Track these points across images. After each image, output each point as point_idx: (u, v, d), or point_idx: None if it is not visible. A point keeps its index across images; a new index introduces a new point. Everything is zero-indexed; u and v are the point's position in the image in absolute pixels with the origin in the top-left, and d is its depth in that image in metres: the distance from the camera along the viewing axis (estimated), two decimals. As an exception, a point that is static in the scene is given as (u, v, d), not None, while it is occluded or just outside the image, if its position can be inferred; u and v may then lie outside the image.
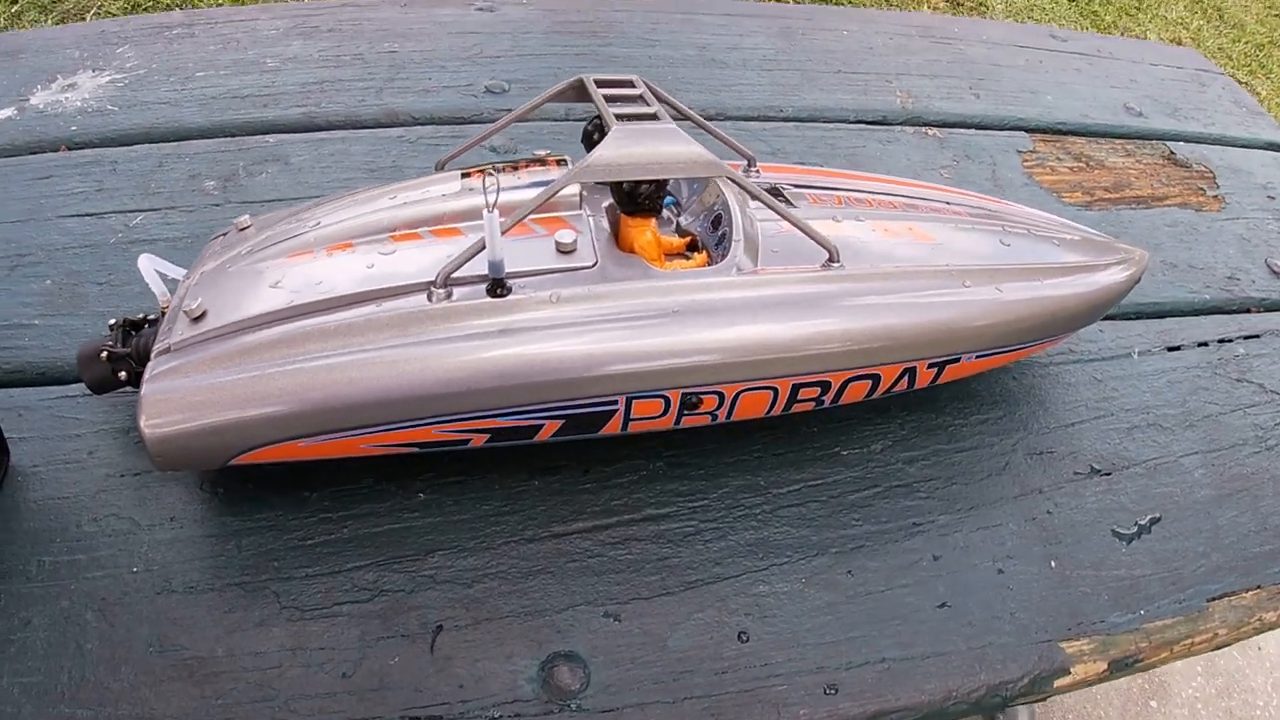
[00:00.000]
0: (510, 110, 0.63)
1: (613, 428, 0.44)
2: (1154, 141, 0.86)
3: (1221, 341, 0.68)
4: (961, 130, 0.80)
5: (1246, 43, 2.26)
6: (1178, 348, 0.66)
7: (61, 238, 0.57)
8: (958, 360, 0.49)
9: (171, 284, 0.47)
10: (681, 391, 0.43)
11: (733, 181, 0.43)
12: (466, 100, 0.72)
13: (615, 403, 0.43)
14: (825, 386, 0.46)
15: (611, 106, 0.43)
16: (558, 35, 0.80)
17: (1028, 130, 0.83)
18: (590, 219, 0.46)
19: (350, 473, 0.48)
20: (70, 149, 0.62)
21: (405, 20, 0.79)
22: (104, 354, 0.44)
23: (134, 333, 0.45)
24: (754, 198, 0.44)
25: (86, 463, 0.47)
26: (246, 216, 0.49)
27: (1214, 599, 0.52)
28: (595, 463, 0.51)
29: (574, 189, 0.46)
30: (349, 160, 0.65)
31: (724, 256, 0.45)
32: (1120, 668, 0.49)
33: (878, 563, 0.49)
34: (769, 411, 0.47)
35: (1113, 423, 0.60)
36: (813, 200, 0.51)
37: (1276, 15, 2.34)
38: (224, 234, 0.49)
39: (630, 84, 0.47)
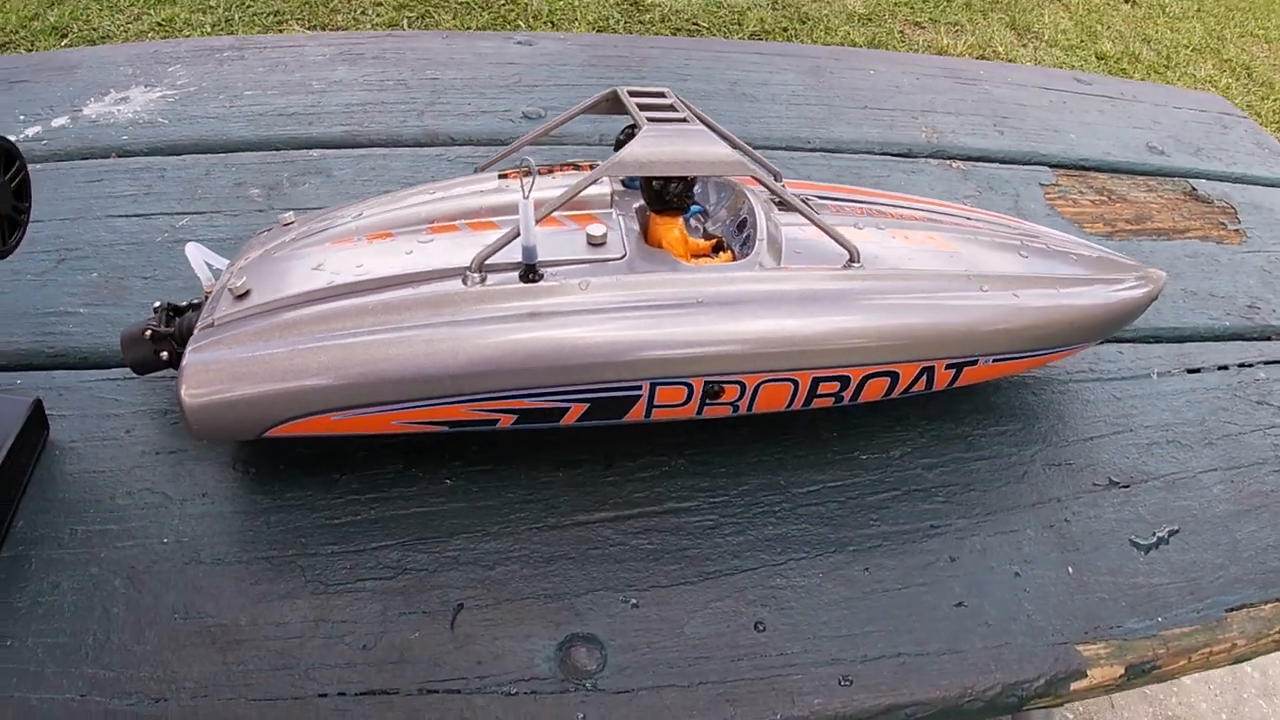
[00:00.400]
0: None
1: (636, 414, 0.46)
2: (1176, 179, 0.87)
3: (1242, 365, 0.68)
4: (985, 164, 0.82)
5: (1275, 100, 2.28)
6: (1198, 370, 0.67)
7: (109, 235, 0.60)
8: (975, 363, 0.50)
9: (216, 273, 0.50)
10: (705, 380, 0.45)
11: (758, 182, 0.45)
12: (504, 124, 0.75)
13: (640, 388, 0.44)
14: (845, 382, 0.47)
15: (643, 113, 0.46)
16: (593, 68, 0.84)
17: (1050, 165, 0.85)
18: (620, 218, 0.48)
19: (379, 458, 0.50)
20: (121, 156, 0.66)
21: (447, 50, 0.83)
22: (148, 333, 0.46)
23: (177, 316, 0.48)
24: (777, 197, 0.46)
25: (123, 440, 0.49)
26: (290, 213, 0.52)
27: (1232, 610, 0.51)
28: (618, 458, 0.52)
29: (605, 189, 0.49)
30: (389, 174, 0.68)
31: (748, 255, 0.47)
32: (1137, 674, 0.49)
33: (895, 561, 0.50)
34: (789, 405, 0.48)
35: (1132, 439, 0.60)
36: (834, 210, 0.53)
37: (1303, 74, 2.37)
38: (268, 229, 0.52)
39: (662, 94, 0.49)
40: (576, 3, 2.28)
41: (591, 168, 0.51)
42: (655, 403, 0.45)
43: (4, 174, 0.44)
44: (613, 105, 0.50)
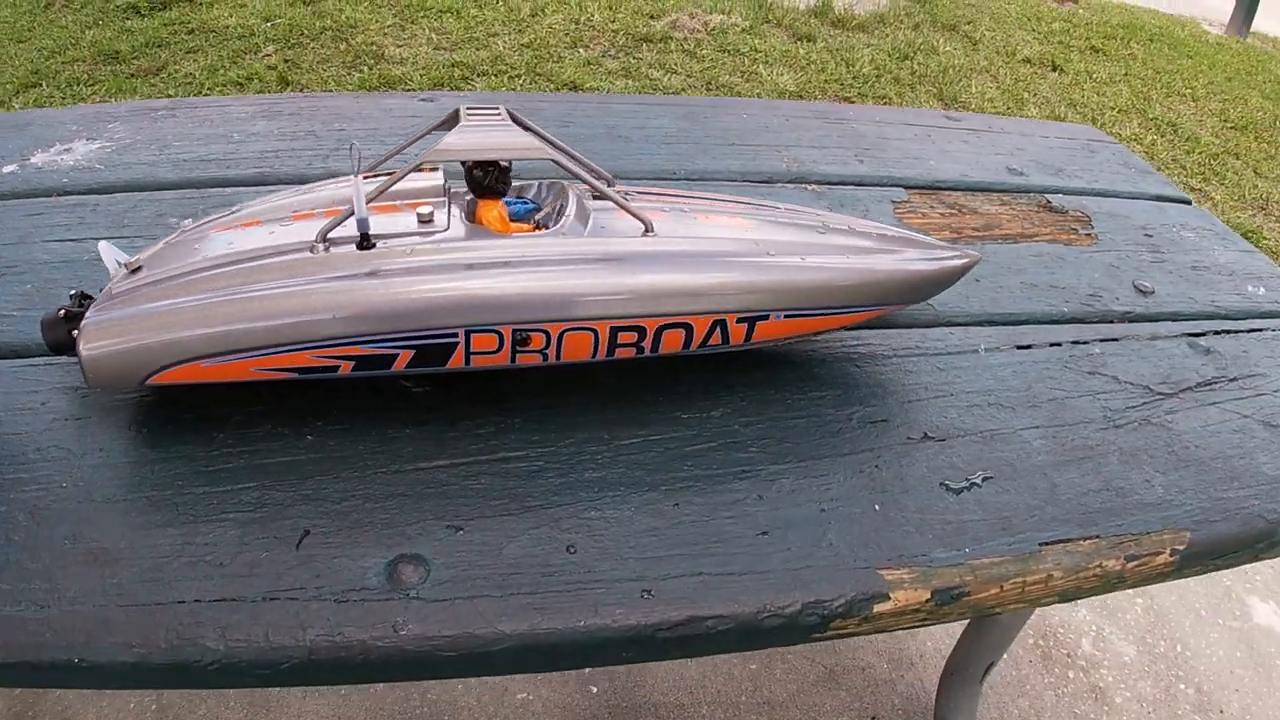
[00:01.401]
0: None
1: (457, 361, 0.53)
2: (1031, 194, 0.95)
3: (1076, 343, 0.73)
4: (842, 187, 0.91)
5: (1200, 153, 2.40)
6: (1028, 346, 0.72)
7: (44, 255, 0.69)
8: (766, 318, 0.57)
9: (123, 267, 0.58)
10: (512, 328, 0.52)
11: (557, 164, 0.53)
12: (400, 163, 0.85)
13: (456, 335, 0.51)
14: (641, 333, 0.54)
15: (471, 119, 0.55)
16: (489, 118, 0.94)
17: (906, 187, 0.93)
18: (451, 205, 0.57)
19: (252, 420, 0.57)
20: (61, 195, 0.75)
21: (356, 107, 0.93)
22: (62, 313, 0.54)
23: (88, 300, 0.56)
24: (575, 177, 0.54)
25: (38, 410, 0.56)
26: (190, 220, 0.61)
27: (1048, 544, 0.55)
28: (462, 419, 0.58)
29: (439, 182, 0.57)
30: (295, 207, 0.77)
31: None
32: (946, 599, 0.52)
33: (703, 499, 0.55)
34: (594, 354, 0.55)
35: (952, 401, 0.65)
36: (645, 199, 0.61)
37: (1231, 128, 2.49)
38: (173, 232, 0.61)
39: (496, 109, 0.58)
40: (531, 89, 2.44)
41: (433, 169, 0.60)
42: (472, 349, 0.52)
43: None
44: (453, 120, 0.59)
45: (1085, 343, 0.74)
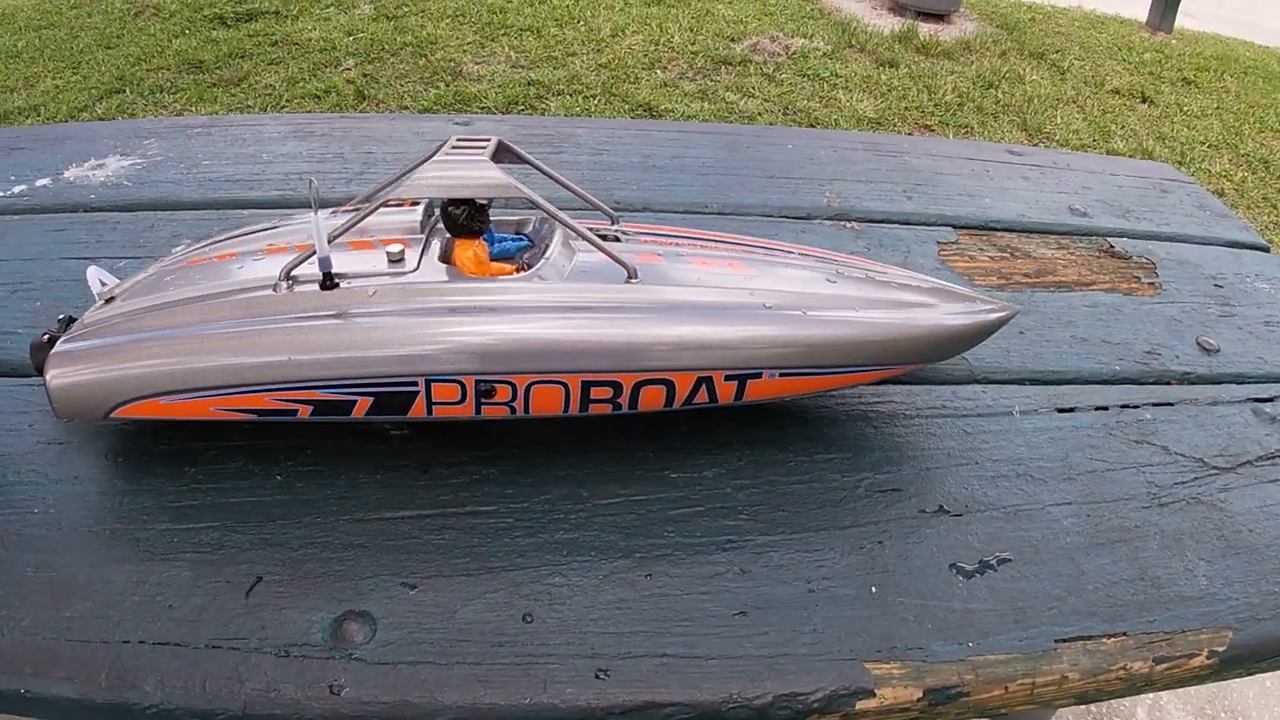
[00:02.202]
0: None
1: (418, 411, 0.50)
2: (1092, 237, 0.88)
3: (1125, 406, 0.66)
4: (885, 225, 0.85)
5: (1296, 192, 2.22)
6: (1070, 410, 0.65)
7: (59, 273, 0.70)
8: (759, 375, 0.52)
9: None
10: (475, 378, 0.49)
11: (534, 204, 0.50)
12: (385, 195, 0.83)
13: (416, 384, 0.49)
14: (617, 388, 0.50)
15: (450, 153, 0.52)
16: (519, 143, 0.92)
17: (955, 227, 0.87)
18: (432, 242, 0.54)
19: (224, 456, 0.55)
20: (86, 211, 0.76)
21: (388, 129, 0.93)
22: (46, 337, 0.53)
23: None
24: (551, 216, 0.51)
25: (25, 432, 0.57)
26: (184, 244, 0.60)
27: (1065, 641, 0.49)
28: (436, 465, 0.56)
29: (417, 218, 0.55)
30: (309, 230, 0.76)
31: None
32: (941, 699, 0.47)
33: (681, 570, 0.51)
34: (566, 409, 0.51)
35: (975, 471, 0.59)
36: (643, 241, 0.57)
37: (1332, 167, 2.30)
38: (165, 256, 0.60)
39: (486, 140, 0.55)
40: (606, 110, 2.44)
41: (413, 204, 0.57)
42: (433, 399, 0.49)
43: None
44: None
45: (1135, 406, 0.66)
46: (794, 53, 2.94)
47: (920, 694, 0.47)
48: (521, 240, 0.58)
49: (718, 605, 0.50)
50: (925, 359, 0.57)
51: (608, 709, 0.45)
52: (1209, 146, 2.46)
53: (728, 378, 0.52)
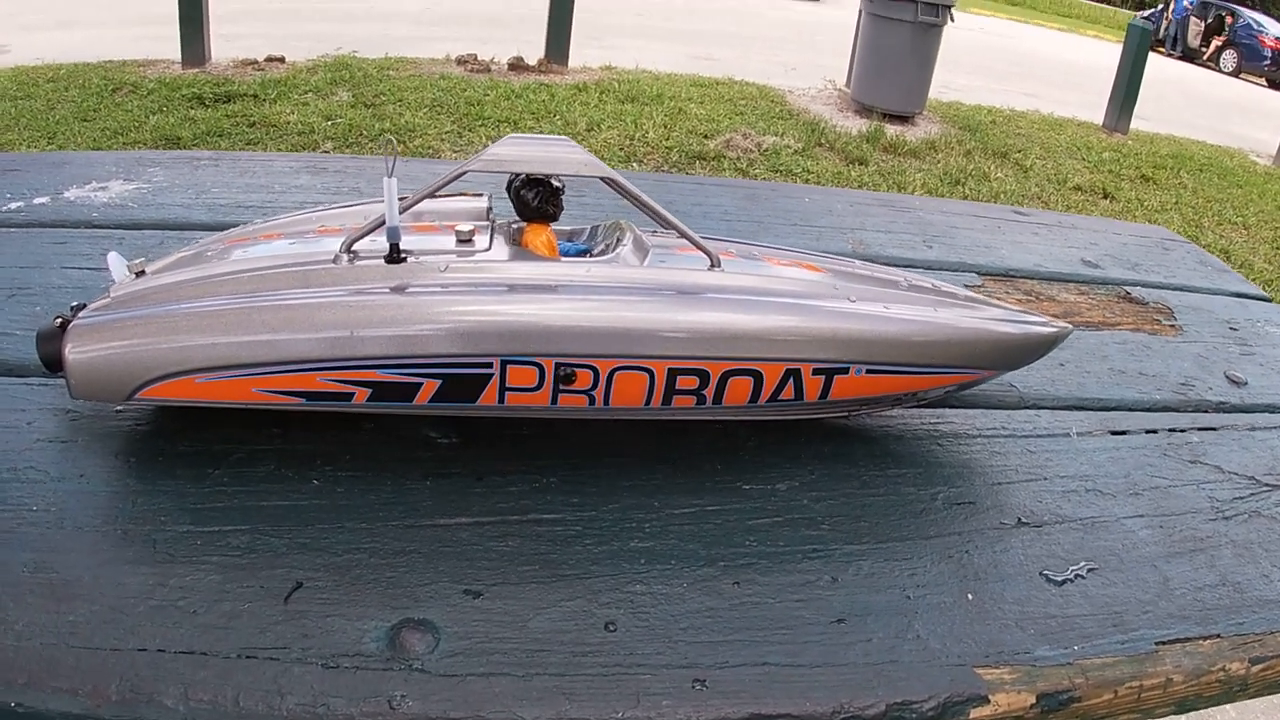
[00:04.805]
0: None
1: (489, 398, 0.46)
2: (1110, 285, 0.89)
3: (1173, 430, 0.66)
4: (911, 270, 0.85)
5: (1254, 278, 2.34)
6: (1123, 432, 0.65)
7: (60, 280, 0.65)
8: (846, 371, 0.50)
9: None
10: (555, 361, 0.45)
11: (614, 182, 0.48)
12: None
13: (490, 366, 0.45)
14: (704, 378, 0.47)
15: None
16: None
17: (979, 273, 0.87)
18: (495, 228, 0.51)
19: (253, 459, 0.50)
20: (88, 228, 0.72)
21: (405, 170, 0.91)
22: (58, 321, 0.48)
23: None
24: (636, 201, 0.48)
25: (22, 430, 0.51)
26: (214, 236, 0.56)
27: (1165, 643, 0.47)
28: (490, 474, 0.51)
29: (483, 204, 0.52)
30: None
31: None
32: (1053, 704, 0.44)
33: (769, 579, 0.47)
34: (649, 401, 0.48)
35: (1046, 486, 0.58)
36: (710, 244, 0.55)
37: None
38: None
39: (562, 139, 0.54)
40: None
41: (476, 195, 0.55)
42: (507, 385, 0.45)
43: None
44: None
45: (1182, 430, 0.67)
46: (766, 149, 3.05)
47: (1033, 699, 0.44)
48: (579, 246, 0.56)
49: (813, 613, 0.46)
50: (998, 365, 0.56)
51: (708, 723, 0.40)
52: (1170, 240, 2.59)
53: (815, 372, 0.49)
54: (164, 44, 3.60)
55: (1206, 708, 0.50)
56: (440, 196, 0.54)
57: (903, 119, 3.97)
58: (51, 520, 0.45)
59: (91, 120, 2.72)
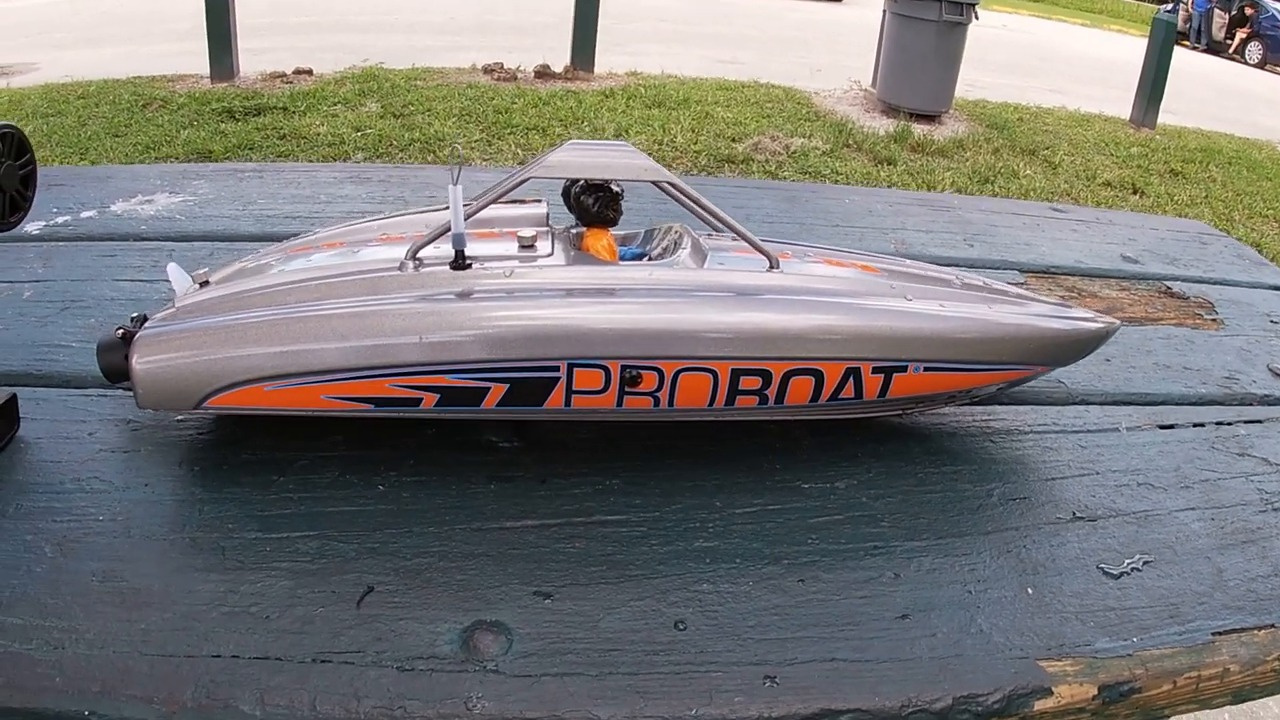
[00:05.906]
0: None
1: (556, 401, 0.47)
2: (1150, 280, 0.89)
3: (1220, 424, 0.66)
4: (953, 267, 0.85)
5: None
6: (1171, 426, 0.65)
7: (112, 292, 0.66)
8: (905, 369, 0.50)
9: None
10: (621, 363, 0.46)
11: (672, 186, 0.49)
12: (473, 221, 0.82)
13: (557, 369, 0.46)
14: (766, 377, 0.48)
15: None
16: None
17: (1021, 270, 0.87)
18: (555, 235, 0.52)
19: (317, 466, 0.51)
20: (136, 240, 0.73)
21: (447, 178, 0.92)
22: (120, 332, 0.49)
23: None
24: (694, 202, 0.49)
25: (84, 440, 0.52)
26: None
27: (1221, 634, 0.48)
28: (553, 476, 0.52)
29: (542, 210, 0.53)
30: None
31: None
32: (1114, 696, 0.45)
33: (833, 576, 0.48)
34: (712, 402, 0.48)
35: (1098, 480, 0.58)
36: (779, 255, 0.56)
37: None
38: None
39: (619, 143, 0.54)
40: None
41: (534, 202, 0.56)
42: (574, 388, 0.46)
43: (16, 159, 0.50)
44: None
45: (1229, 424, 0.67)
46: (794, 151, 3.05)
47: (1095, 691, 0.44)
48: (635, 251, 0.57)
49: (877, 609, 0.46)
50: (1052, 361, 0.56)
51: (781, 717, 0.41)
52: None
53: (875, 370, 0.49)
54: (192, 59, 3.65)
55: (1261, 698, 0.51)
56: (499, 203, 0.55)
57: (929, 118, 3.96)
58: (119, 529, 0.46)
59: (123, 135, 2.77)
